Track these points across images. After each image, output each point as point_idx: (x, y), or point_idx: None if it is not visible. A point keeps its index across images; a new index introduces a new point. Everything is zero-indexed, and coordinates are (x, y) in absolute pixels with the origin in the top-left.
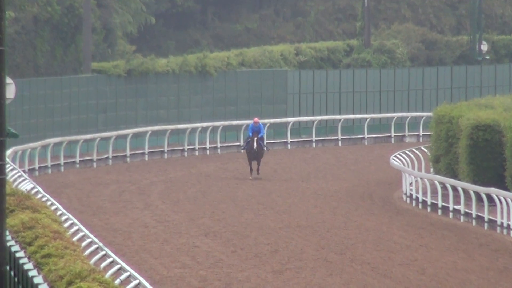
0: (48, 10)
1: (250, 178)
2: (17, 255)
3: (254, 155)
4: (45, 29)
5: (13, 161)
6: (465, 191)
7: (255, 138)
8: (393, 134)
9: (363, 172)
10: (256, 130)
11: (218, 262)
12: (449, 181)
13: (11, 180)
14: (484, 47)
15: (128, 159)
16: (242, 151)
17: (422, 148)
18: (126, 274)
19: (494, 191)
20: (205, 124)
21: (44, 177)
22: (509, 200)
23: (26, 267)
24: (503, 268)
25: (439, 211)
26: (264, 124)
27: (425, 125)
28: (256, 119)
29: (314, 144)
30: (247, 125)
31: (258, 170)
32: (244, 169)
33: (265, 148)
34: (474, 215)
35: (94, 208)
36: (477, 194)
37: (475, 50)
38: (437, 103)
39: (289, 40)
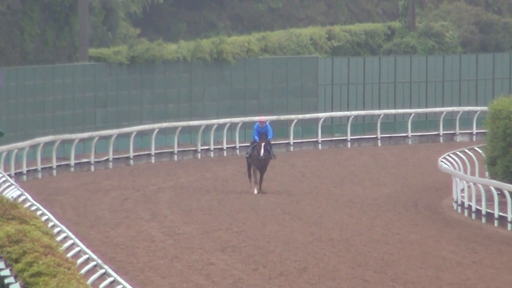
0: None
1: (254, 192)
2: (2, 273)
3: (260, 164)
4: (35, 8)
5: None
6: None
7: (263, 144)
8: (441, 132)
9: (406, 177)
10: (262, 132)
11: (238, 282)
12: (508, 187)
13: None
14: None
15: (131, 161)
16: (246, 156)
17: (476, 148)
18: None
19: None
20: (221, 121)
21: (34, 182)
22: None
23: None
24: None
25: (496, 222)
26: (291, 121)
27: (479, 121)
28: (262, 118)
29: (349, 144)
30: (271, 122)
31: (261, 184)
32: (267, 172)
33: (272, 157)
34: None
35: (91, 218)
36: None
37: None
38: (493, 95)
39: (320, 22)
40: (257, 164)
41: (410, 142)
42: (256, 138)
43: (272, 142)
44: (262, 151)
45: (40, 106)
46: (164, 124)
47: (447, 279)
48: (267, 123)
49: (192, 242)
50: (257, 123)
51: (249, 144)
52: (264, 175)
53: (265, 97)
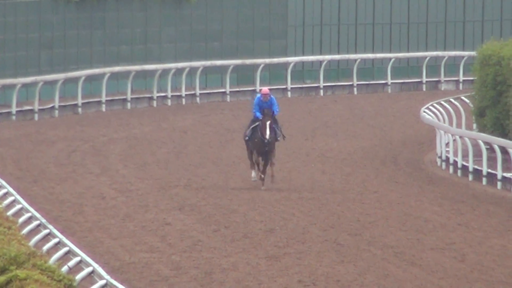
0: None
1: (253, 176)
2: None
3: (264, 148)
4: None
5: None
6: None
7: (268, 122)
8: (424, 79)
9: (385, 129)
10: (266, 107)
11: (196, 244)
12: (497, 141)
13: None
14: None
15: (79, 109)
16: (245, 139)
17: (463, 97)
18: (76, 259)
19: None
20: (180, 65)
21: None
22: None
23: None
24: None
25: (484, 180)
26: (258, 66)
27: (467, 68)
28: (265, 89)
29: (322, 92)
30: (235, 67)
31: (271, 172)
32: (230, 123)
33: (279, 138)
34: None
35: (35, 173)
36: None
37: None
38: (482, 39)
39: None
40: (261, 148)
41: (389, 90)
42: (258, 114)
43: (236, 89)
44: (267, 132)
45: None
46: (116, 68)
47: (430, 243)
48: (271, 96)
49: (146, 199)
50: (258, 96)
51: (247, 129)
52: (273, 160)
53: (229, 39)
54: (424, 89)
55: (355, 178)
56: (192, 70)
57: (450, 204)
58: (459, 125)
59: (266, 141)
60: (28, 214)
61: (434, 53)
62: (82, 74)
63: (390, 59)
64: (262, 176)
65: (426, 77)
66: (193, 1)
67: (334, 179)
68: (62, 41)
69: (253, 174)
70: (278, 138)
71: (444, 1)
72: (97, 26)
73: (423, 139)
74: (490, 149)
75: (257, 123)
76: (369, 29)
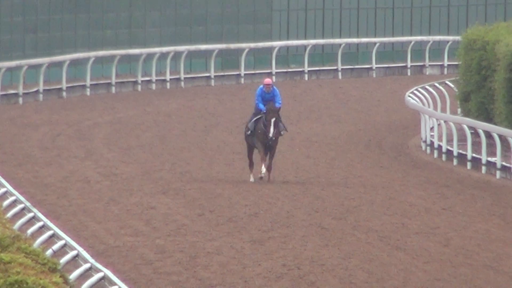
0: None
1: (252, 180)
2: None
3: (266, 143)
4: None
5: None
6: (503, 138)
7: (273, 120)
8: (409, 64)
9: (370, 113)
10: (269, 98)
11: (181, 228)
12: (482, 126)
13: None
14: None
15: (64, 93)
16: (247, 133)
17: (447, 82)
18: (61, 242)
19: None
20: (164, 49)
21: None
22: None
23: None
24: None
25: (468, 165)
26: (242, 50)
27: (451, 52)
28: (267, 80)
29: (306, 76)
30: (220, 51)
31: (270, 167)
32: (215, 107)
33: (282, 132)
34: None
35: (19, 157)
36: None
37: None
38: (467, 23)
39: None
40: (263, 144)
41: (374, 75)
42: (261, 106)
43: (221, 74)
44: (272, 130)
45: None
46: (101, 53)
47: (414, 227)
48: (274, 87)
49: (131, 183)
50: (261, 87)
51: (249, 123)
52: (274, 155)
53: (214, 23)
54: (408, 74)
55: (339, 162)
56: (177, 55)
57: (435, 189)
58: (443, 110)
59: (269, 137)
60: (13, 198)
61: (419, 38)
62: (67, 58)
63: (374, 43)
64: (268, 173)
65: (411, 61)
66: None
67: (318, 164)
68: (47, 25)
69: (252, 179)
70: (282, 133)
71: None
72: (82, 10)
73: (407, 124)
74: (475, 134)
75: (260, 116)
76: (354, 14)
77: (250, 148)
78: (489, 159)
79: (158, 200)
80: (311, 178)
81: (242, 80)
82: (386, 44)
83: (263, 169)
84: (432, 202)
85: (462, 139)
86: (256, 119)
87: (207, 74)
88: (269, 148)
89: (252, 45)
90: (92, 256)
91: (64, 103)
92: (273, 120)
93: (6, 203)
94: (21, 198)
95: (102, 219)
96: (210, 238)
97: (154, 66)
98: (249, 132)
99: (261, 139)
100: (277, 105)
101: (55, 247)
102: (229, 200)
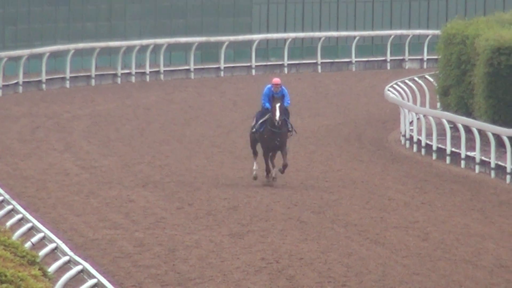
0: None
1: (255, 167)
2: None
3: (275, 141)
4: None
5: None
6: (482, 133)
7: (278, 105)
8: (389, 58)
9: (349, 107)
10: (277, 97)
11: (160, 222)
12: (461, 120)
13: None
14: None
15: (44, 85)
16: (252, 131)
17: (427, 76)
18: (40, 235)
19: None
20: (144, 42)
21: None
22: None
23: None
24: None
25: (448, 159)
26: (222, 43)
27: (431, 46)
28: (276, 79)
29: (286, 70)
30: (199, 44)
31: (285, 164)
32: (194, 100)
33: (290, 129)
34: (493, 165)
35: None
36: (498, 138)
37: None
38: (446, 17)
39: None
40: (271, 143)
41: (354, 69)
42: (268, 105)
43: (200, 67)
44: (278, 113)
45: None
46: (81, 45)
47: (393, 221)
48: (283, 86)
49: (110, 176)
50: (269, 86)
51: (254, 121)
52: (287, 152)
53: (194, 16)
54: (388, 68)
55: (319, 156)
56: (157, 47)
57: (414, 183)
58: (423, 104)
59: (276, 123)
60: None
61: (399, 32)
62: (47, 50)
63: (354, 37)
64: (282, 168)
65: (391, 55)
66: None
67: (298, 157)
68: (27, 17)
69: (255, 166)
70: (290, 129)
71: None
72: (62, 2)
73: (387, 118)
74: (454, 128)
75: (266, 117)
76: (334, 7)
77: (253, 142)
78: (468, 153)
79: (137, 193)
80: (290, 172)
81: (222, 73)
82: (366, 37)
83: (273, 173)
84: (411, 196)
85: (441, 134)
86: (263, 121)
87: (187, 67)
88: (278, 148)
89: (232, 38)
90: (71, 249)
91: (43, 95)
92: (278, 105)
93: None
94: (0, 190)
95: (81, 212)
96: (189, 232)
97: (133, 58)
98: (254, 130)
99: (267, 143)
100: (285, 103)
101: (34, 239)
102: (208, 194)
